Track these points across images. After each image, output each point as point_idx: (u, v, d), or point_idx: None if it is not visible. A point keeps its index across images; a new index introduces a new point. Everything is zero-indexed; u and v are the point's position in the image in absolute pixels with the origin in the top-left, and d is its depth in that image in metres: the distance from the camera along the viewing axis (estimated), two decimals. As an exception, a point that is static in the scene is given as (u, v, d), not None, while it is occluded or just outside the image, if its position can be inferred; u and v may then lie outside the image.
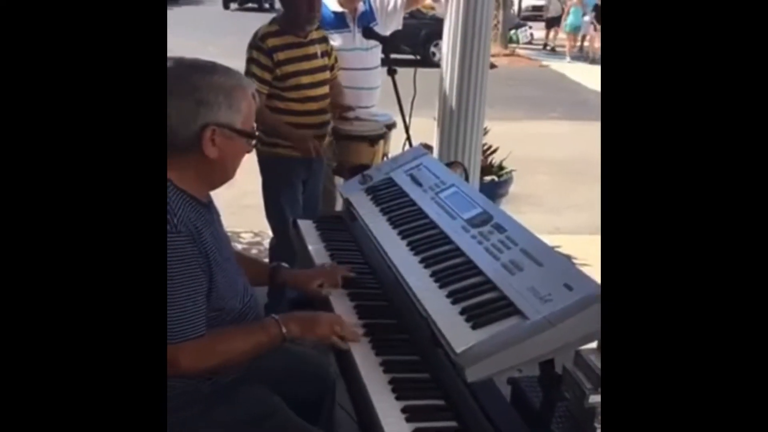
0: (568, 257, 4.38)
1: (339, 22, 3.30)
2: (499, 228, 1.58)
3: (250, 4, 23.42)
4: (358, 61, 3.30)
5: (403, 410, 1.34)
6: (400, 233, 1.73)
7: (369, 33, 3.02)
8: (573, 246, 4.43)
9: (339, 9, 3.31)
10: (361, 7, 3.35)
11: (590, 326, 1.24)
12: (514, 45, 17.14)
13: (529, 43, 18.13)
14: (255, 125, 1.55)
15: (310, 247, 1.99)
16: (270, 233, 3.20)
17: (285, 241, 2.66)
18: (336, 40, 3.27)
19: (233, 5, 23.77)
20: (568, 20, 15.66)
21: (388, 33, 3.40)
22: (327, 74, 2.96)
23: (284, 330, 1.52)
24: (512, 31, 17.54)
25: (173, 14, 19.37)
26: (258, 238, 4.14)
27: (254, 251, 3.96)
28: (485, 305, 1.36)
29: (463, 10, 3.36)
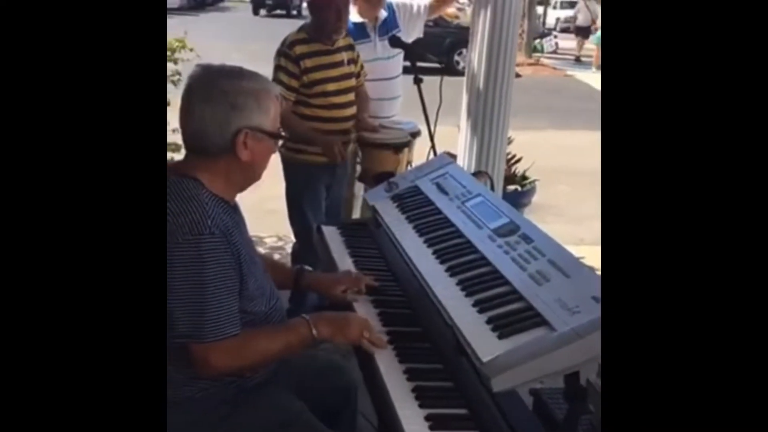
0: (592, 268, 4.37)
1: (359, 32, 3.29)
2: (526, 238, 1.58)
3: (278, 11, 23.70)
4: (379, 71, 3.29)
5: (427, 418, 1.33)
6: (426, 241, 1.73)
7: (394, 41, 3.02)
8: (597, 257, 4.39)
9: (359, 19, 3.30)
10: (381, 15, 3.34)
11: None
12: (538, 54, 17.08)
13: (554, 52, 18.07)
14: (280, 127, 1.57)
15: (334, 254, 1.99)
16: (293, 238, 3.21)
17: (307, 246, 2.67)
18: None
19: (262, 11, 24.19)
20: (598, 33, 15.11)
21: (410, 40, 3.38)
22: (353, 81, 2.98)
23: (315, 332, 1.52)
24: (537, 41, 17.50)
25: (200, 20, 19.66)
26: (281, 243, 4.16)
27: (277, 256, 3.97)
28: (512, 315, 1.35)
29: (489, 19, 3.37)
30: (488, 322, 1.35)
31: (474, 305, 1.42)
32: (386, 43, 3.19)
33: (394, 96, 3.41)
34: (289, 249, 3.50)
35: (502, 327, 1.32)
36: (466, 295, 1.46)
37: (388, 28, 3.34)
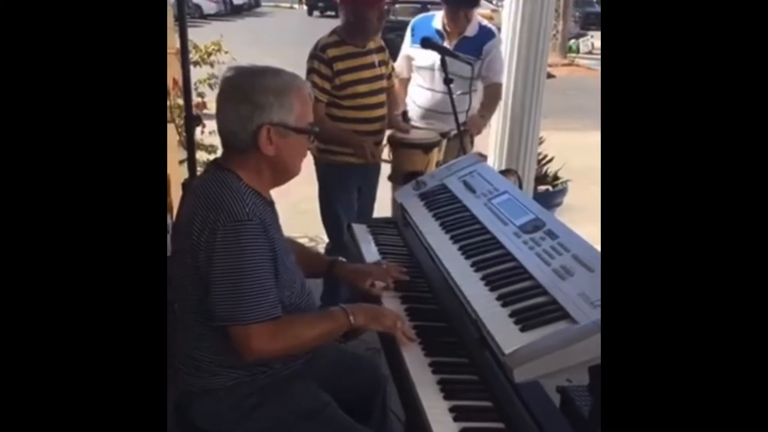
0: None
1: (426, 45, 3.14)
2: (551, 234, 1.59)
3: (329, 12, 23.98)
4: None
5: (451, 410, 1.37)
6: (452, 238, 1.75)
7: (426, 43, 3.04)
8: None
9: (440, 27, 3.31)
10: (470, 32, 3.28)
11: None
12: (573, 55, 16.92)
13: (590, 53, 17.88)
14: (312, 120, 1.61)
15: (363, 251, 2.04)
16: (325, 238, 3.26)
17: (340, 246, 2.71)
18: (421, 59, 3.29)
19: (315, 13, 25.21)
20: None
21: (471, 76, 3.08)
22: (384, 83, 3.01)
23: (351, 318, 1.57)
24: (572, 41, 17.34)
25: (236, 25, 19.93)
26: (313, 243, 4.22)
27: (310, 257, 4.03)
28: (535, 309, 1.37)
29: (520, 19, 3.38)
30: (511, 315, 1.37)
31: (498, 299, 1.44)
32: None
33: (463, 109, 3.02)
34: (321, 249, 3.56)
35: (525, 320, 1.34)
36: (491, 290, 1.48)
37: (467, 50, 3.18)
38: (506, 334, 1.33)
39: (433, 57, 3.18)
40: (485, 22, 3.37)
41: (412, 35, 3.40)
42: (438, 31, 3.29)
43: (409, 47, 3.41)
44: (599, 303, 1.31)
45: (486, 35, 3.30)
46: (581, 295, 1.35)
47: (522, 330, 1.32)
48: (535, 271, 1.48)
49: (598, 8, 23.46)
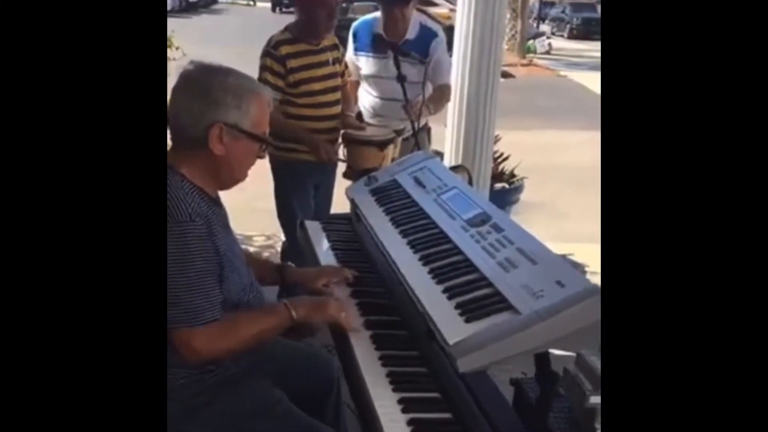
0: (581, 265, 4.42)
1: (377, 45, 3.17)
2: (497, 228, 1.62)
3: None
4: (397, 90, 2.99)
5: (400, 401, 1.38)
6: (401, 232, 1.77)
7: (379, 41, 3.05)
8: (585, 254, 4.45)
9: (381, 31, 3.19)
10: (411, 34, 3.17)
11: (580, 321, 1.28)
12: (532, 55, 17.17)
13: (547, 53, 18.17)
14: (267, 131, 1.61)
15: (316, 247, 2.04)
16: (281, 237, 3.25)
17: (296, 244, 2.71)
18: (369, 66, 3.23)
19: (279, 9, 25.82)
20: None
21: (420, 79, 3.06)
22: (338, 80, 3.02)
23: (293, 312, 1.57)
24: (530, 41, 17.59)
25: (192, 22, 19.71)
26: (270, 242, 4.20)
27: (266, 254, 4.01)
28: (479, 300, 1.40)
29: (473, 16, 3.42)
30: (456, 307, 1.40)
31: (444, 292, 1.47)
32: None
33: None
34: (278, 248, 3.55)
35: (469, 312, 1.37)
36: (437, 283, 1.51)
37: (410, 51, 3.07)
38: (451, 325, 1.35)
39: (377, 65, 3.18)
40: (426, 21, 3.29)
41: (354, 41, 3.32)
42: (380, 35, 3.18)
43: (352, 54, 3.31)
44: (542, 294, 1.34)
45: (428, 36, 3.20)
46: (524, 286, 1.38)
47: (467, 321, 1.35)
48: (480, 264, 1.51)
49: (596, 14, 23.89)
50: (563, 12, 27.12)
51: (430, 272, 1.56)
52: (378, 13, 3.26)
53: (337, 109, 3.01)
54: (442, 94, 3.22)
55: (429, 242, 1.68)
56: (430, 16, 12.99)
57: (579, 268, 4.39)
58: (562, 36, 24.80)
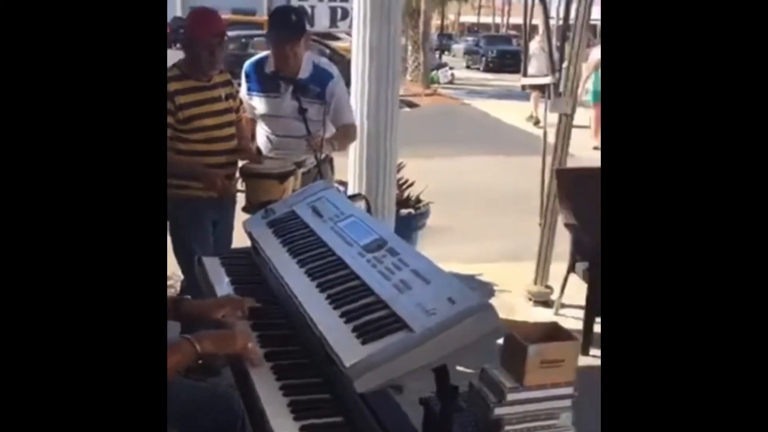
0: (491, 284, 4.53)
1: (269, 84, 3.12)
2: (393, 252, 1.66)
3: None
4: (293, 128, 3.05)
5: (301, 429, 1.38)
6: (299, 262, 1.78)
7: (273, 78, 3.06)
8: (493, 273, 4.57)
9: (273, 70, 3.10)
10: (303, 74, 3.08)
11: (472, 335, 1.33)
12: (435, 85, 17.70)
13: (450, 83, 18.79)
14: None
15: (215, 283, 2.02)
16: (181, 275, 3.17)
17: (195, 281, 2.65)
18: (263, 106, 3.18)
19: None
20: (592, 89, 9.28)
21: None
22: (233, 116, 3.02)
23: (198, 347, 1.54)
24: (433, 72, 18.16)
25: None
26: (170, 281, 4.09)
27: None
28: (375, 322, 1.42)
29: (368, 49, 3.50)
30: (353, 330, 1.42)
31: (341, 316, 1.48)
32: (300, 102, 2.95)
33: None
34: (178, 287, 3.46)
35: (366, 333, 1.39)
36: (335, 308, 1.52)
37: (307, 94, 3.02)
38: (348, 348, 1.37)
39: (271, 103, 3.15)
40: (319, 61, 3.22)
41: (247, 81, 3.24)
42: (274, 73, 3.10)
43: (245, 94, 3.23)
44: (434, 311, 1.38)
45: (324, 77, 3.12)
46: (418, 305, 1.41)
47: (363, 343, 1.37)
48: (376, 287, 1.54)
49: (510, 47, 24.60)
50: (477, 45, 27.92)
51: (327, 298, 1.57)
52: (268, 52, 3.20)
53: (233, 143, 3.00)
54: (346, 133, 3.19)
55: (326, 269, 1.70)
56: (333, 49, 13.16)
57: (488, 286, 4.51)
58: (477, 69, 25.54)
